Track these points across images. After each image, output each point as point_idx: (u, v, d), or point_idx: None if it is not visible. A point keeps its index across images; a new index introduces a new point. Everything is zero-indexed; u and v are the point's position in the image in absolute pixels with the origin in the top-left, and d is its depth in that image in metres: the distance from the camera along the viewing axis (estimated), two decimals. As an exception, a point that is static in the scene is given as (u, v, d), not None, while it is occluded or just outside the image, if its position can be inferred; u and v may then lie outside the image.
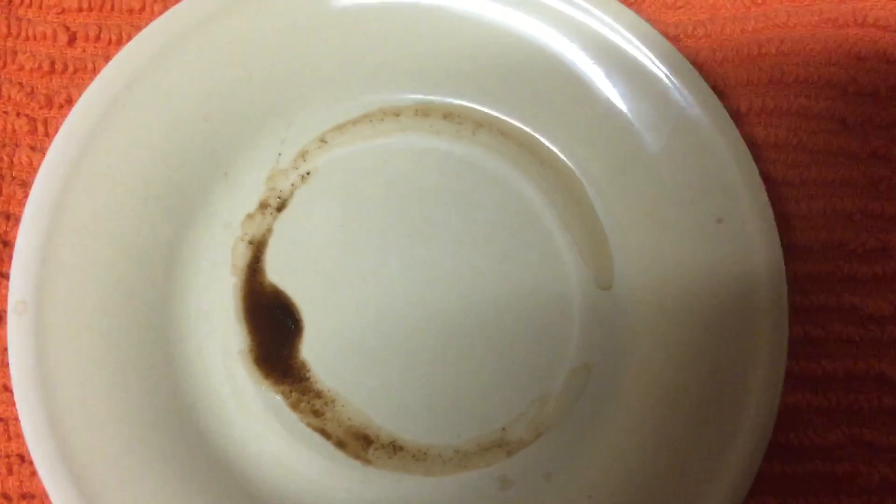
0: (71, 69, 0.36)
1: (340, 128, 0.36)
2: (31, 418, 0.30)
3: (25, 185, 0.35)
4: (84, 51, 0.37)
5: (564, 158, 0.36)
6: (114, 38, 0.36)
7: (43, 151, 0.33)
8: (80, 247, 0.32)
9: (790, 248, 0.36)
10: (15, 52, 0.36)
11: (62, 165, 0.32)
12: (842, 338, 0.36)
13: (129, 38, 0.35)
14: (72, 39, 0.37)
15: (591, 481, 0.33)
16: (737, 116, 0.37)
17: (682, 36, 0.38)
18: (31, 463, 0.32)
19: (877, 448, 0.35)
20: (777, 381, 0.32)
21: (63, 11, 0.37)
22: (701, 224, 0.34)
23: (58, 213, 0.32)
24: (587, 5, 0.35)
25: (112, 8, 0.37)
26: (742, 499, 0.31)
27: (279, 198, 0.36)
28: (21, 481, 0.33)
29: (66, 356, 0.31)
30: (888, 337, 0.36)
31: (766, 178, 0.35)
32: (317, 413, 0.34)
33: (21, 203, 0.34)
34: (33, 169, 0.35)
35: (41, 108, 0.36)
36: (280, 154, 0.36)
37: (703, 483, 0.31)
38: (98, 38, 0.37)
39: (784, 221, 0.36)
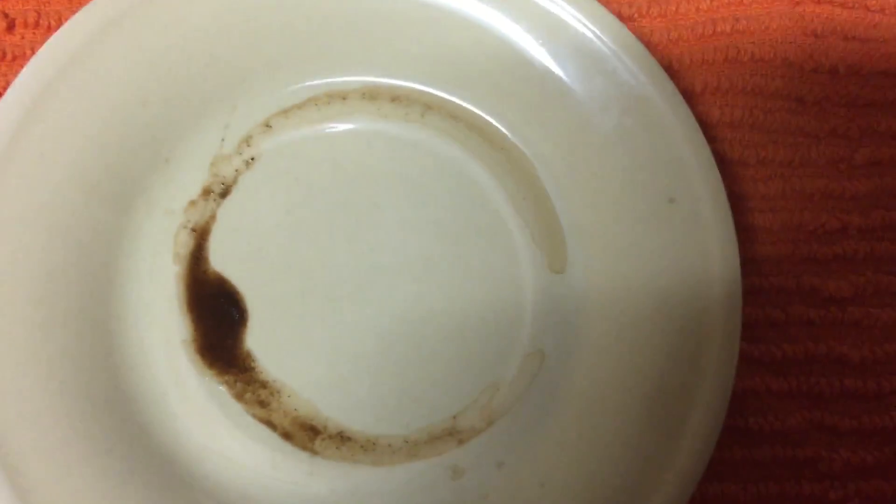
0: (9, 56, 0.35)
1: (285, 112, 0.35)
2: (-37, 412, 0.29)
3: (-39, 175, 0.34)
4: (23, 38, 0.36)
5: (515, 140, 0.36)
6: (53, 24, 0.36)
7: (-21, 140, 0.32)
8: (12, 237, 0.31)
9: (748, 229, 0.35)
10: (-49, 40, 0.35)
11: (-6, 152, 0.31)
12: (802, 320, 0.35)
13: (69, 23, 0.34)
14: (10, 26, 0.36)
15: (544, 469, 0.32)
16: (691, 96, 0.36)
17: (636, 16, 0.37)
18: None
19: (838, 432, 0.34)
20: (730, 361, 0.31)
21: (1, -2, 0.36)
22: (653, 205, 0.33)
23: (-11, 202, 0.31)
24: (535, -16, 0.34)
25: (52, -7, 0.36)
26: (695, 483, 0.30)
27: (223, 184, 0.35)
28: (-44, 478, 0.32)
29: (0, 349, 0.30)
30: (849, 318, 0.35)
31: (722, 158, 0.35)
32: (262, 404, 0.33)
33: (-45, 193, 0.33)
34: (-30, 158, 0.34)
35: (-22, 96, 0.35)
36: (223, 139, 0.35)
37: (656, 469, 0.30)
38: (37, 24, 0.36)
39: (741, 202, 0.35)
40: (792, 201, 0.36)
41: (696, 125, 0.33)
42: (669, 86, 0.33)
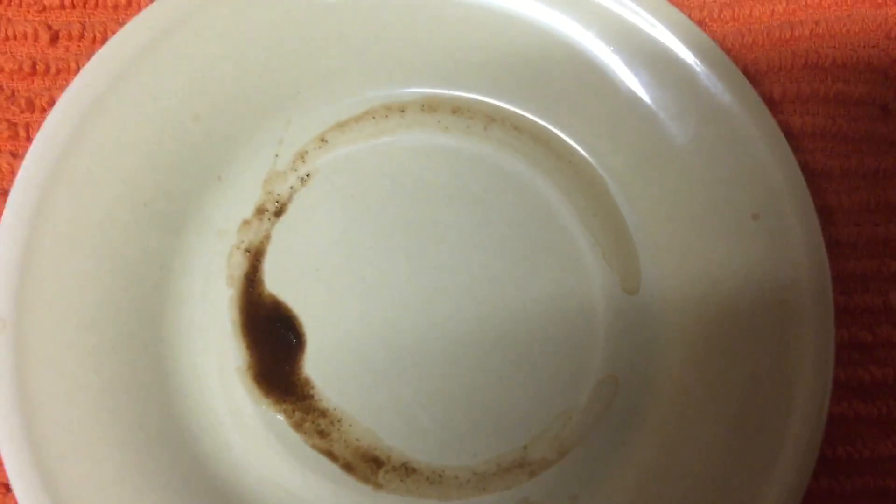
0: (53, 70, 0.34)
1: (342, 126, 0.34)
2: (12, 445, 0.28)
3: (6, 194, 0.32)
4: (67, 50, 0.35)
5: (584, 153, 0.34)
6: (98, 35, 0.34)
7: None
8: (62, 259, 0.30)
9: (832, 244, 0.34)
10: (-6, 54, 0.34)
11: (41, 172, 0.30)
12: (891, 341, 0.33)
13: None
14: (54, 39, 0.35)
15: (620, 503, 0.30)
16: (770, 104, 0.34)
17: (707, 20, 0.36)
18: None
19: (932, 461, 0.32)
20: (824, 390, 0.29)
21: (44, 9, 0.35)
22: (735, 221, 0.31)
23: (37, 223, 0.30)
24: (604, -12, 0.32)
25: (96, 4, 0.35)
26: (789, 521, 0.28)
27: (277, 202, 0.33)
28: (5, 512, 0.31)
29: (49, 377, 0.29)
30: (941, 339, 0.33)
31: (805, 169, 0.33)
32: (322, 433, 0.31)
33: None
34: (15, 176, 0.32)
35: (22, 111, 0.34)
36: (277, 155, 0.34)
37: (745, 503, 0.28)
38: (82, 36, 0.35)
39: (825, 216, 0.34)
40: (878, 214, 0.34)
41: (782, 136, 0.31)
42: (751, 94, 0.31)
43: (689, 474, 0.30)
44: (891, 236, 0.34)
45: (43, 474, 0.28)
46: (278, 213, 0.33)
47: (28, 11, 0.35)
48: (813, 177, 0.34)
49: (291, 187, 0.33)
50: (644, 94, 0.33)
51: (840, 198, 0.34)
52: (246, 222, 0.33)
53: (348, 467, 0.31)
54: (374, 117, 0.34)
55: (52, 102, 0.34)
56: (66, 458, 0.28)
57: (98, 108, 0.31)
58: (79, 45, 0.35)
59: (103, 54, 0.31)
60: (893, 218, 0.34)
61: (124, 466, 0.29)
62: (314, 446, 0.31)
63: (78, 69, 0.34)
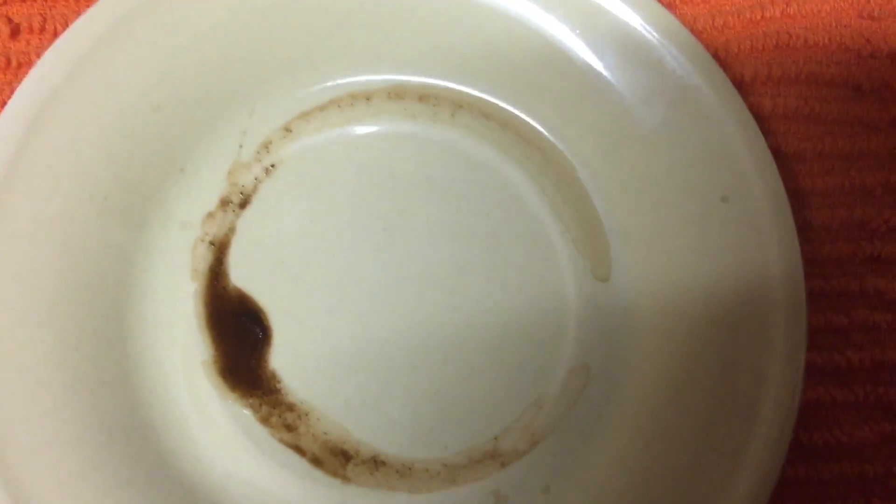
0: (14, 63, 0.34)
1: (306, 115, 0.34)
2: (-29, 445, 0.27)
3: (-34, 190, 0.32)
4: (28, 43, 0.34)
5: (552, 139, 0.34)
6: (60, 28, 0.34)
7: (-16, 153, 0.30)
8: (20, 255, 0.29)
9: (806, 228, 0.33)
10: (-47, 48, 0.34)
11: (-2, 166, 0.29)
12: (867, 325, 0.33)
13: (76, 27, 0.32)
14: (14, 32, 0.34)
15: (592, 493, 0.30)
16: (741, 86, 0.34)
17: (677, 2, 0.35)
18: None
19: (910, 446, 0.32)
20: (796, 375, 0.29)
21: (5, 2, 0.34)
22: (705, 205, 0.31)
23: (-6, 219, 0.29)
24: (568, -30, 0.32)
25: (56, -4, 0.34)
26: (762, 508, 0.27)
27: (242, 193, 0.33)
28: (-35, 513, 0.30)
29: (9, 375, 0.28)
30: (918, 322, 0.33)
31: (777, 152, 0.33)
32: (289, 428, 0.31)
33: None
34: (-26, 172, 0.32)
35: (-18, 106, 0.33)
36: (241, 146, 0.33)
37: (717, 491, 0.28)
38: (43, 28, 0.34)
39: (798, 199, 0.33)
40: (852, 196, 0.34)
41: (752, 119, 0.31)
42: (720, 75, 0.31)
43: (661, 463, 0.29)
44: (866, 219, 0.34)
45: (4, 472, 0.27)
46: (243, 204, 0.33)
47: (-12, 4, 0.34)
48: (786, 160, 0.34)
49: (256, 178, 0.33)
50: (612, 78, 0.32)
51: (814, 180, 0.34)
52: (210, 214, 0.33)
53: (316, 461, 0.31)
54: (339, 106, 0.34)
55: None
56: (27, 456, 0.28)
57: (55, 101, 0.30)
58: (39, 38, 0.34)
59: (59, 46, 0.30)
60: (868, 200, 0.34)
61: (88, 464, 0.28)
62: (282, 440, 0.31)
63: (39, 62, 0.33)
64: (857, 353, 0.32)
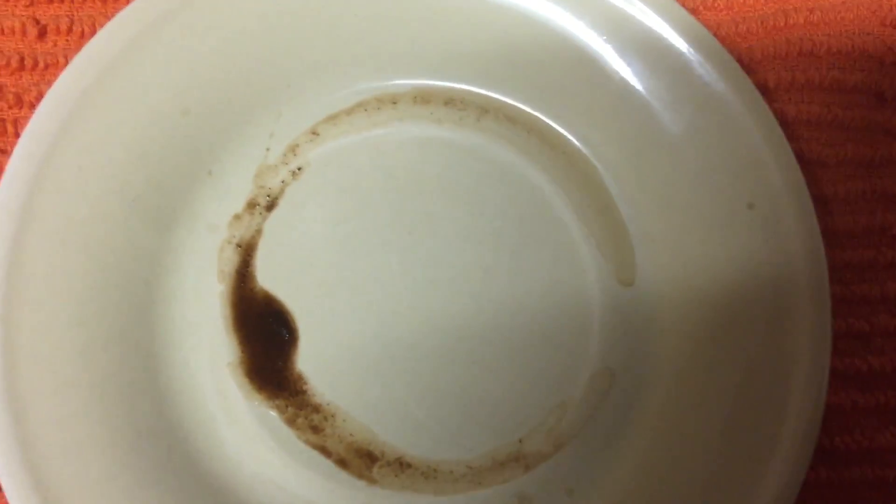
0: (42, 65, 0.34)
1: (333, 118, 0.34)
2: (2, 443, 0.28)
3: (-5, 191, 0.32)
4: (55, 45, 0.34)
5: (578, 144, 0.34)
6: (87, 29, 0.34)
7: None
8: (51, 256, 0.29)
9: (828, 233, 0.33)
10: (-19, 49, 0.34)
11: (29, 168, 0.29)
12: (889, 330, 0.33)
13: (104, 29, 0.33)
14: (42, 33, 0.34)
15: (617, 496, 0.30)
16: (764, 93, 0.34)
17: (700, 8, 0.35)
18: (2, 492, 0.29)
19: (931, 450, 0.32)
20: (821, 380, 0.29)
21: (32, 3, 0.35)
22: (730, 210, 0.31)
23: (25, 220, 0.29)
24: (596, -24, 0.32)
25: (84, -2, 0.34)
26: (787, 512, 0.28)
27: (268, 196, 0.33)
28: (-5, 512, 0.30)
29: (39, 376, 0.28)
30: (939, 327, 0.33)
31: (800, 158, 0.33)
32: (315, 429, 0.31)
33: (-11, 211, 0.32)
34: (2, 173, 0.32)
35: (10, 107, 0.33)
36: (268, 149, 0.33)
37: (742, 495, 0.28)
38: (70, 30, 0.34)
39: (821, 205, 0.33)
40: (874, 203, 0.34)
41: (777, 125, 0.31)
42: (746, 82, 0.31)
43: (685, 466, 0.30)
44: (887, 225, 0.34)
45: (33, 472, 0.27)
46: (269, 207, 0.33)
47: (16, 6, 0.34)
48: (808, 166, 0.34)
49: (283, 181, 0.33)
50: (637, 84, 0.32)
51: (836, 187, 0.34)
52: (237, 217, 0.33)
53: (342, 463, 0.31)
54: (365, 109, 0.34)
55: (40, 98, 0.33)
56: (56, 456, 0.28)
57: (86, 103, 0.30)
58: (67, 40, 0.34)
59: (91, 48, 0.31)
60: (890, 206, 0.34)
61: (115, 464, 0.29)
62: (308, 442, 0.31)
63: (66, 64, 0.33)
64: (879, 358, 0.33)
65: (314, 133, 0.34)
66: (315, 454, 0.31)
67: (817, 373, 0.29)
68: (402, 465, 0.31)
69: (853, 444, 0.32)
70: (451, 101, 0.34)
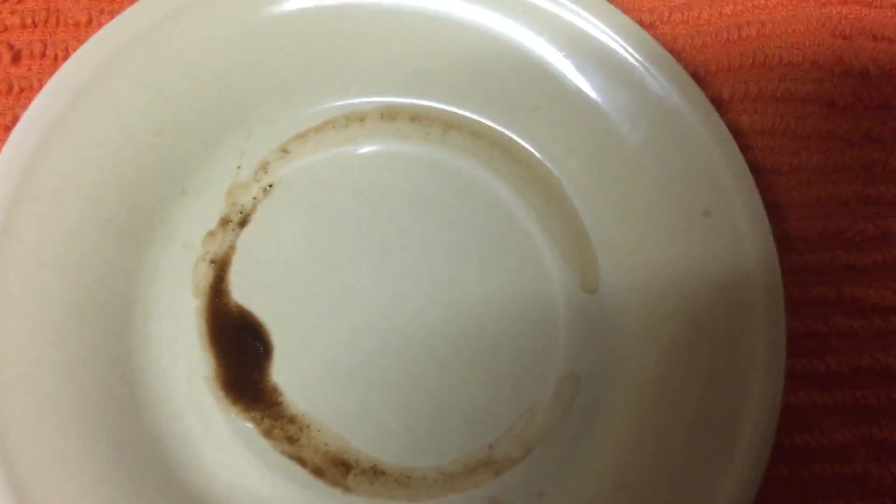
0: (16, 89, 0.35)
1: (302, 136, 0.35)
2: (-17, 462, 0.28)
3: (-28, 214, 0.33)
4: (30, 69, 0.35)
5: (540, 156, 0.35)
6: (60, 53, 0.35)
7: (-11, 177, 0.31)
8: (27, 277, 0.30)
9: (785, 238, 0.34)
10: (-44, 74, 0.34)
11: (5, 190, 0.30)
12: (844, 331, 0.34)
13: (77, 53, 0.33)
14: (16, 58, 0.35)
15: (585, 498, 0.31)
16: (720, 104, 0.35)
17: (657, 22, 0.36)
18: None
19: (887, 446, 0.33)
20: (777, 380, 0.30)
21: (6, 29, 0.35)
22: (688, 218, 0.32)
23: (2, 241, 0.30)
24: (555, -5, 0.33)
25: (57, 23, 0.35)
26: (747, 509, 0.29)
27: (241, 213, 0.34)
28: (-24, 528, 0.31)
29: (18, 393, 0.29)
30: (893, 328, 0.34)
31: (755, 166, 0.34)
32: (291, 440, 0.32)
33: (-34, 233, 0.32)
34: (-20, 196, 0.33)
35: (-15, 131, 0.34)
36: (240, 167, 0.34)
37: (704, 493, 0.29)
38: (43, 54, 0.35)
39: (777, 211, 0.34)
40: (828, 208, 0.35)
41: (729, 135, 0.32)
42: (699, 95, 0.32)
43: (650, 467, 0.30)
44: (841, 229, 0.35)
45: (15, 488, 0.28)
46: (242, 223, 0.34)
47: (-11, 32, 0.35)
48: (764, 174, 0.35)
49: (255, 198, 0.34)
50: (596, 97, 0.33)
51: (791, 193, 0.35)
52: (210, 233, 0.33)
53: (318, 472, 0.31)
54: (334, 127, 0.35)
55: (15, 121, 0.33)
56: (37, 473, 0.28)
57: (60, 126, 0.31)
58: (41, 64, 0.35)
59: (64, 72, 0.31)
60: (843, 211, 0.35)
61: (96, 479, 0.29)
62: (284, 452, 0.31)
63: (41, 87, 0.34)
64: (836, 358, 0.33)
65: (284, 150, 0.34)
66: (291, 464, 0.31)
67: (773, 373, 0.30)
68: (376, 473, 0.32)
69: (813, 442, 0.33)
70: (417, 117, 0.35)
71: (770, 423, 0.29)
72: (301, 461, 0.31)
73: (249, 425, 0.32)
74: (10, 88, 0.34)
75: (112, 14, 0.34)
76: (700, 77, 0.35)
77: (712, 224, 0.31)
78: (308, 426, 0.32)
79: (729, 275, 0.31)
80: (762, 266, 0.30)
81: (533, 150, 0.35)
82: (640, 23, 0.35)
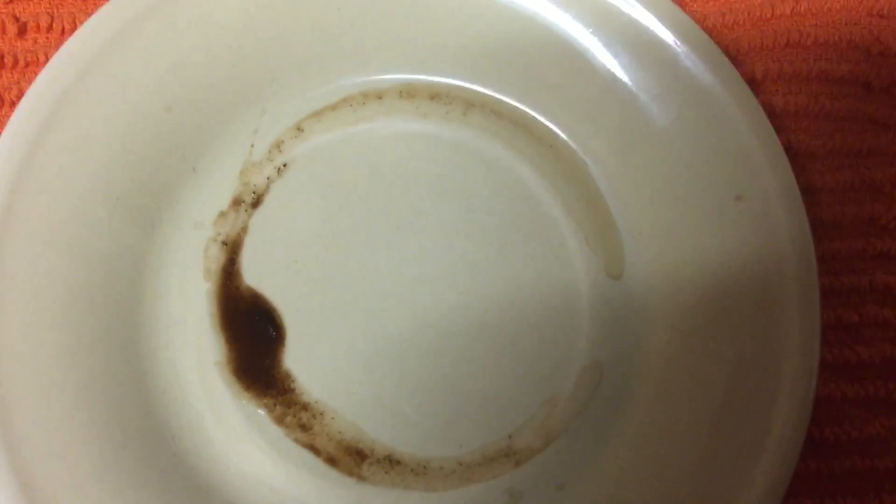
0: (22, 63, 0.34)
1: (318, 114, 0.34)
2: (-14, 447, 0.27)
3: (-24, 191, 0.32)
4: (36, 42, 0.34)
5: (565, 137, 0.34)
6: (67, 26, 0.34)
7: (-7, 153, 0.30)
8: (33, 256, 0.29)
9: (816, 224, 0.33)
10: (-40, 47, 0.33)
11: (9, 167, 0.29)
12: (877, 321, 0.33)
13: (84, 26, 0.32)
14: (21, 30, 0.34)
15: (607, 490, 0.30)
16: (752, 84, 0.34)
17: (687, 0, 0.35)
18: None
19: (920, 440, 0.32)
20: (810, 372, 0.29)
21: (11, 1, 0.34)
22: (718, 203, 0.31)
23: (8, 219, 0.29)
24: (582, -32, 0.32)
25: (64, -6, 0.34)
26: (777, 504, 0.28)
27: (254, 193, 0.33)
28: (-20, 515, 0.30)
29: (23, 377, 0.28)
30: (928, 318, 0.33)
31: (788, 149, 0.32)
32: (304, 427, 0.31)
33: (-30, 211, 0.31)
34: (-16, 173, 0.32)
35: (-10, 105, 0.33)
36: (253, 145, 0.33)
37: (732, 488, 0.28)
38: (50, 27, 0.34)
39: (809, 196, 0.33)
40: (862, 193, 0.34)
41: (764, 117, 0.31)
42: (734, 74, 0.31)
43: (675, 459, 0.29)
44: (875, 215, 0.34)
45: (20, 474, 0.27)
46: (255, 204, 0.33)
47: (-6, 3, 0.34)
48: (796, 157, 0.34)
49: (268, 178, 0.33)
50: (624, 76, 0.32)
51: (824, 177, 0.34)
52: (222, 214, 0.32)
53: (331, 461, 0.31)
54: (351, 105, 0.34)
55: (21, 96, 0.33)
56: (43, 458, 0.28)
57: (67, 101, 0.30)
58: (47, 37, 0.34)
59: (71, 45, 0.30)
60: (877, 197, 0.34)
61: (103, 465, 0.28)
62: (297, 440, 0.31)
63: (47, 61, 0.33)
64: (868, 349, 0.33)
65: (299, 129, 0.33)
66: (304, 452, 0.31)
67: (807, 364, 0.29)
68: (391, 462, 0.31)
69: (843, 435, 0.32)
70: (437, 95, 0.34)
71: (803, 416, 0.29)
72: (314, 449, 0.31)
73: (261, 412, 0.31)
74: (16, 62, 0.33)
75: (121, -15, 0.33)
76: (731, 56, 0.34)
77: (745, 209, 0.30)
78: (322, 413, 0.31)
79: (761, 261, 0.30)
80: (797, 253, 0.29)
81: (557, 131, 0.34)
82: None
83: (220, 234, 0.32)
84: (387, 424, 0.31)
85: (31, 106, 0.30)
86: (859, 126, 0.34)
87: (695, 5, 0.35)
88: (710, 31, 0.35)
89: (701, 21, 0.35)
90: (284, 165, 0.33)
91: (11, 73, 0.33)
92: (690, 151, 0.31)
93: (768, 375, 0.29)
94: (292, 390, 0.31)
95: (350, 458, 0.31)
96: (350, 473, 0.31)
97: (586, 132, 0.33)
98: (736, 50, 0.35)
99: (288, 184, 0.33)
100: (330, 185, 0.33)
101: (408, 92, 0.34)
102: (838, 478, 0.32)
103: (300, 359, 0.31)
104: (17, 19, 0.34)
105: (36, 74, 0.31)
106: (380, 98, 0.34)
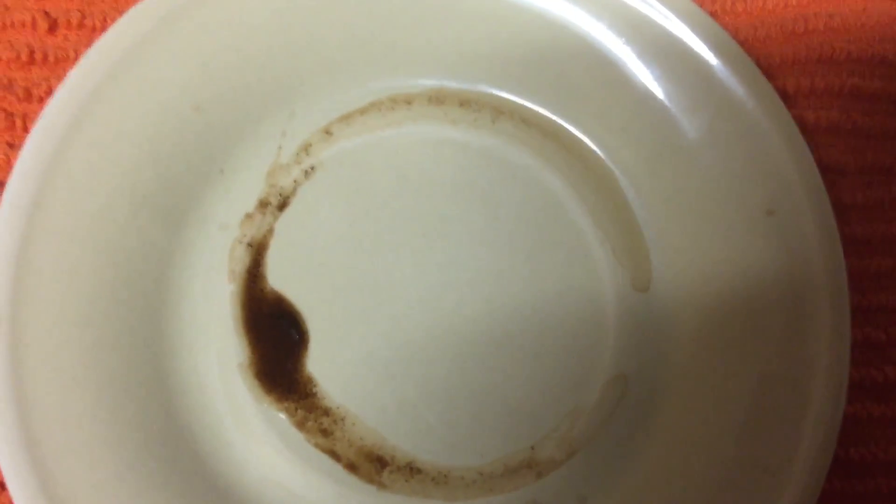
0: (52, 59, 0.33)
1: (347, 118, 0.33)
2: (8, 444, 0.27)
3: (3, 186, 0.31)
4: (66, 38, 0.34)
5: (594, 147, 0.33)
6: (98, 24, 0.34)
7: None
8: (59, 253, 0.29)
9: (846, 241, 0.32)
10: (-9, 42, 0.33)
11: (38, 163, 0.29)
12: (906, 341, 0.32)
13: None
14: (52, 27, 0.34)
15: (630, 505, 0.29)
16: (783, 98, 0.33)
17: (719, 12, 0.35)
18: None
19: (947, 463, 0.31)
20: (839, 390, 0.29)
21: (42, -3, 0.34)
22: (749, 217, 0.31)
23: (35, 216, 0.29)
24: (616, -22, 0.32)
25: (96, -9, 0.34)
26: (803, 524, 0.27)
27: (280, 195, 0.33)
28: (-1, 511, 0.30)
29: (45, 375, 0.28)
30: (957, 339, 0.32)
31: (819, 164, 0.32)
32: (325, 433, 0.30)
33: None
34: (11, 168, 0.32)
35: (19, 101, 0.33)
36: (281, 147, 0.33)
37: (757, 507, 0.28)
38: (81, 24, 0.34)
39: (839, 212, 0.33)
40: (893, 211, 0.34)
41: (797, 130, 0.30)
42: (767, 88, 0.31)
43: (699, 474, 0.29)
44: (906, 233, 0.33)
45: (39, 473, 0.27)
46: (281, 206, 0.32)
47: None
48: (826, 172, 0.33)
49: (295, 180, 0.33)
50: (656, 88, 0.32)
51: (854, 194, 0.33)
52: (248, 216, 0.32)
53: (352, 467, 0.30)
54: (379, 109, 0.33)
55: (50, 92, 0.33)
56: (63, 457, 0.27)
57: (97, 99, 0.30)
58: (78, 34, 0.34)
59: (102, 43, 0.30)
60: (909, 215, 0.34)
61: (123, 465, 0.28)
62: (317, 445, 0.30)
63: (77, 58, 0.33)
64: (895, 368, 0.32)
65: (327, 132, 0.33)
66: (324, 458, 0.30)
67: (836, 383, 0.29)
68: (412, 471, 0.30)
69: (868, 456, 0.31)
70: (467, 102, 0.34)
71: (830, 435, 0.28)
72: (335, 455, 0.30)
73: (282, 416, 0.31)
74: (46, 58, 0.33)
75: (152, -16, 0.33)
76: (763, 70, 0.34)
77: (776, 223, 0.30)
78: (343, 419, 0.31)
79: (791, 277, 0.30)
80: (828, 270, 0.29)
81: (587, 141, 0.33)
82: (703, 11, 0.33)
83: (245, 236, 0.32)
84: (408, 432, 0.31)
85: (60, 103, 0.29)
86: (891, 143, 0.34)
87: (727, 18, 0.35)
88: (743, 44, 0.34)
89: (732, 33, 0.34)
90: (312, 168, 0.33)
91: (41, 69, 0.33)
92: (721, 165, 0.31)
93: (796, 393, 0.29)
94: (314, 395, 0.31)
95: (370, 464, 0.30)
96: (370, 480, 0.30)
97: (616, 143, 0.33)
98: (767, 64, 0.34)
99: (315, 187, 0.33)
100: (357, 189, 0.33)
101: (437, 98, 0.34)
102: (862, 498, 0.31)
103: (323, 363, 0.31)
104: (48, 15, 0.34)
105: (65, 71, 0.31)
106: (409, 103, 0.34)
